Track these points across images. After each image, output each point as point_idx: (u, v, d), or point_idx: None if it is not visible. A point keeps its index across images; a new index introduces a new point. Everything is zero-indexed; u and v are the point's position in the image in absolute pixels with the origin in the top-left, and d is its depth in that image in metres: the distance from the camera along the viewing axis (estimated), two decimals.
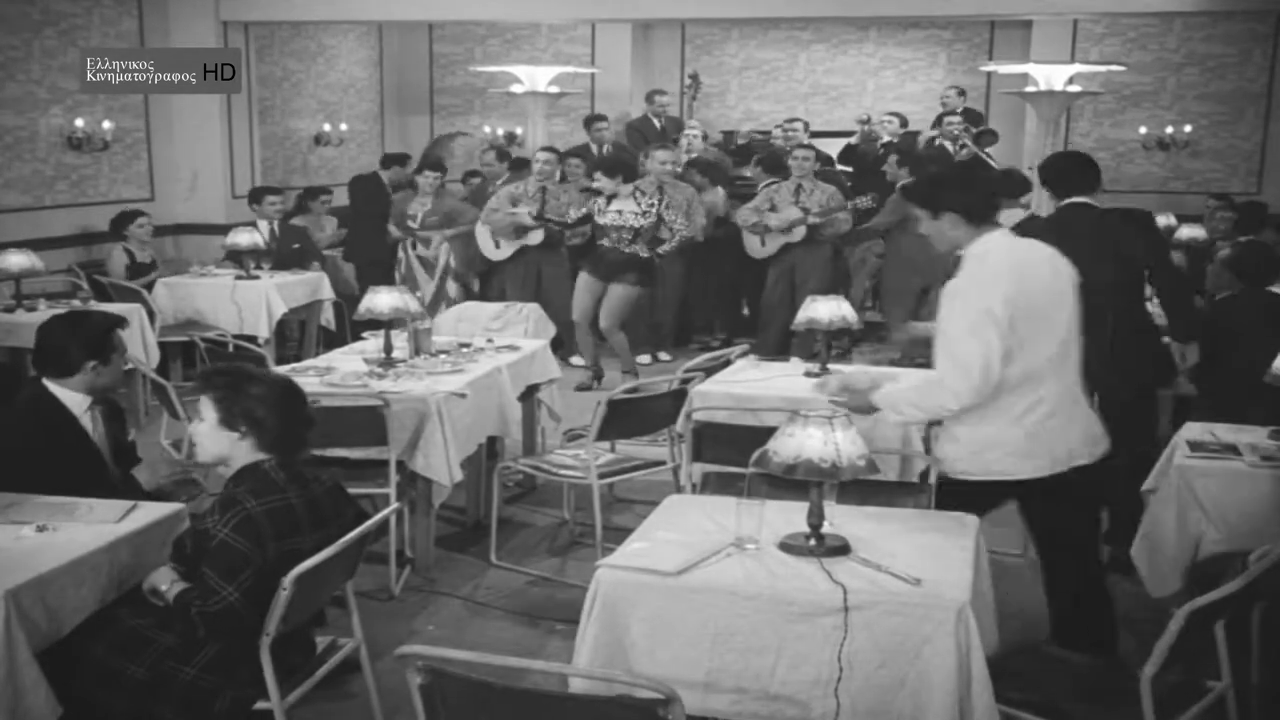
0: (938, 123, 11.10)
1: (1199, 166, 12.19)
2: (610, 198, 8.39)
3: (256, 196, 9.34)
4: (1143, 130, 12.27)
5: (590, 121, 11.18)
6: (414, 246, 9.28)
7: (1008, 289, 3.53)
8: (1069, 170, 5.44)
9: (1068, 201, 5.37)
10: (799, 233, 8.88)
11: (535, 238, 8.91)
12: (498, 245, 9.10)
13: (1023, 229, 4.67)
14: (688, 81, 12.03)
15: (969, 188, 3.77)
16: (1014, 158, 11.76)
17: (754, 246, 9.17)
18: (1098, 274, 4.37)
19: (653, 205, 8.38)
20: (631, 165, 8.98)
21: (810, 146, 9.41)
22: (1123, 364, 4.95)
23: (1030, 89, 10.07)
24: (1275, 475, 4.13)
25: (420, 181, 9.30)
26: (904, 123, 11.28)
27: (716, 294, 10.21)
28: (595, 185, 8.63)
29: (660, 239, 8.50)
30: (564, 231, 8.89)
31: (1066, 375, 3.70)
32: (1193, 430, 4.59)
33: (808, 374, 5.53)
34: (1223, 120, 12.15)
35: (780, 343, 8.98)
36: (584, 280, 8.51)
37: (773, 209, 8.96)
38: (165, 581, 3.24)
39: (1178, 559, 4.26)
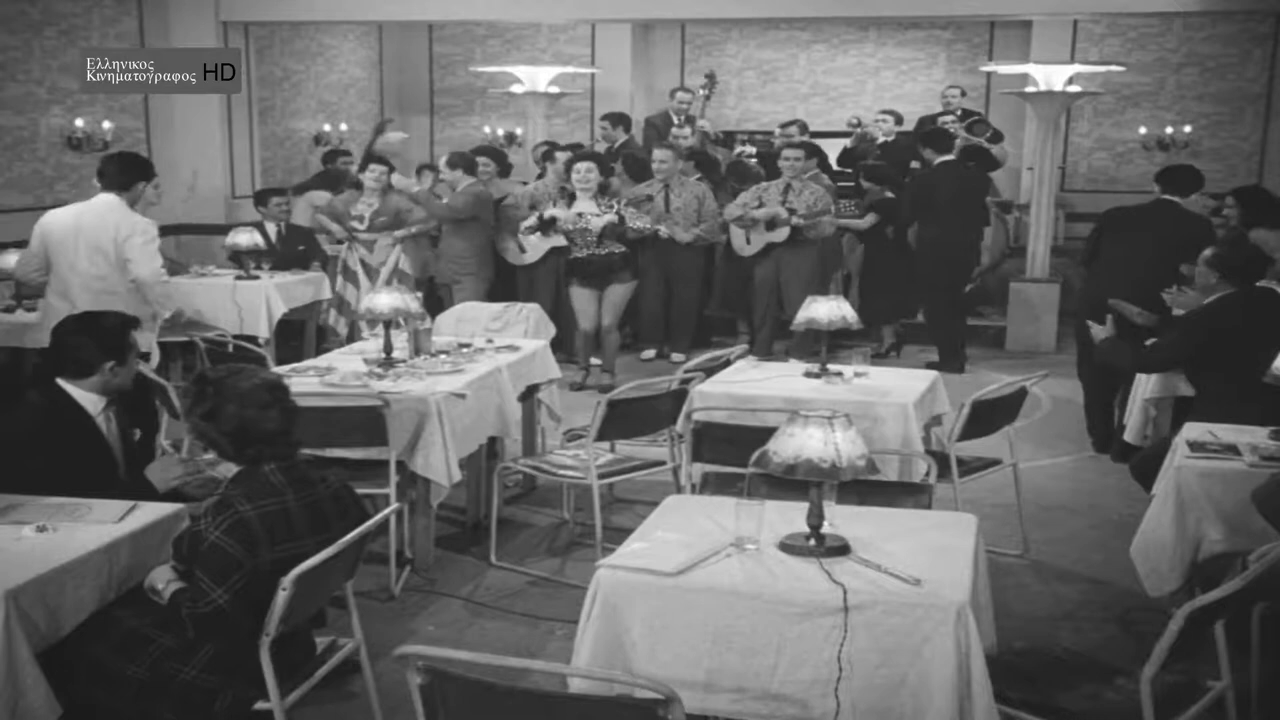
0: (932, 122, 11.11)
1: (1199, 166, 12.09)
2: (572, 199, 8.36)
3: (262, 199, 9.32)
4: (1143, 130, 12.28)
5: (616, 118, 11.16)
6: (353, 249, 8.94)
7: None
8: (936, 139, 9.47)
9: (940, 160, 9.24)
10: (783, 233, 8.91)
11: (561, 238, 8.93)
12: (523, 250, 9.10)
13: (918, 178, 9.48)
14: (703, 80, 12.02)
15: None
16: (1014, 157, 11.79)
17: (739, 244, 9.21)
18: (955, 208, 9.11)
19: (612, 206, 8.37)
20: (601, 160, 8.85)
21: (799, 146, 9.43)
22: (958, 255, 9.37)
23: (1030, 89, 10.08)
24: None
25: (365, 179, 8.93)
26: (899, 120, 11.30)
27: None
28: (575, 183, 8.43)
29: (624, 235, 8.46)
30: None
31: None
32: (1193, 430, 4.59)
33: (808, 374, 5.54)
34: (1223, 120, 12.16)
35: (772, 342, 9.02)
36: (583, 293, 8.46)
37: (760, 207, 9.01)
38: (163, 580, 3.25)
39: (1178, 559, 4.26)
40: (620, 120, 11.09)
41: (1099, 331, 5.87)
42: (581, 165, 8.35)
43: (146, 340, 5.97)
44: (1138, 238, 6.87)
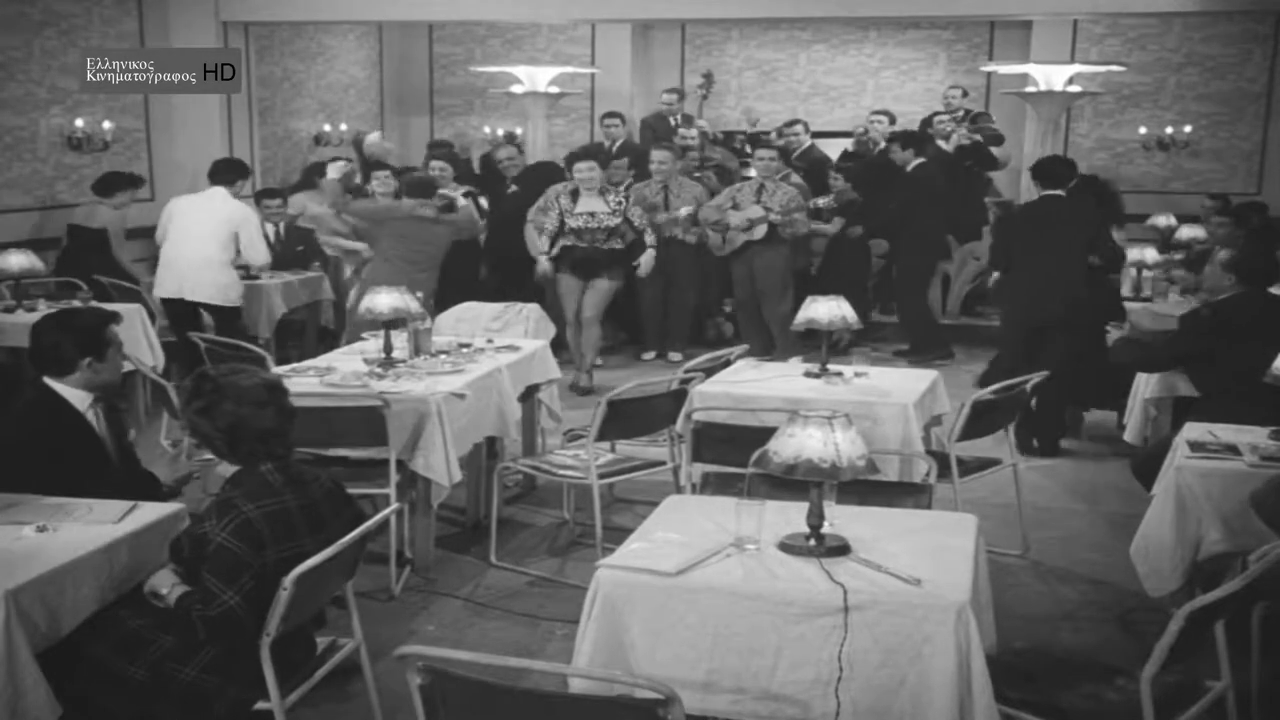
0: (928, 123, 11.11)
1: (1199, 166, 12.20)
2: (575, 197, 8.33)
3: (255, 199, 9.33)
4: (1143, 130, 12.27)
5: (605, 118, 11.17)
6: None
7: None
8: (911, 139, 9.76)
9: (916, 162, 9.51)
10: (759, 231, 8.94)
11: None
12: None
13: (915, 172, 9.51)
14: (700, 80, 12.03)
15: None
16: (1015, 157, 11.78)
17: (716, 244, 9.24)
18: (947, 204, 9.62)
19: (620, 204, 8.37)
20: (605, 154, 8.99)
21: (770, 145, 9.57)
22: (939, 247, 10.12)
23: (1030, 89, 10.09)
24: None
25: (375, 188, 8.85)
26: (893, 120, 11.33)
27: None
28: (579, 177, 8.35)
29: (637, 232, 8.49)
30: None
31: None
32: (1193, 430, 4.59)
33: (808, 374, 5.54)
34: (1223, 120, 12.15)
35: (762, 342, 9.02)
36: (569, 282, 8.44)
37: (735, 208, 9.05)
38: (166, 585, 3.24)
39: (1178, 559, 4.26)
40: (623, 118, 11.13)
41: (1115, 333, 6.02)
42: (582, 164, 8.39)
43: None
44: (1043, 236, 7.17)
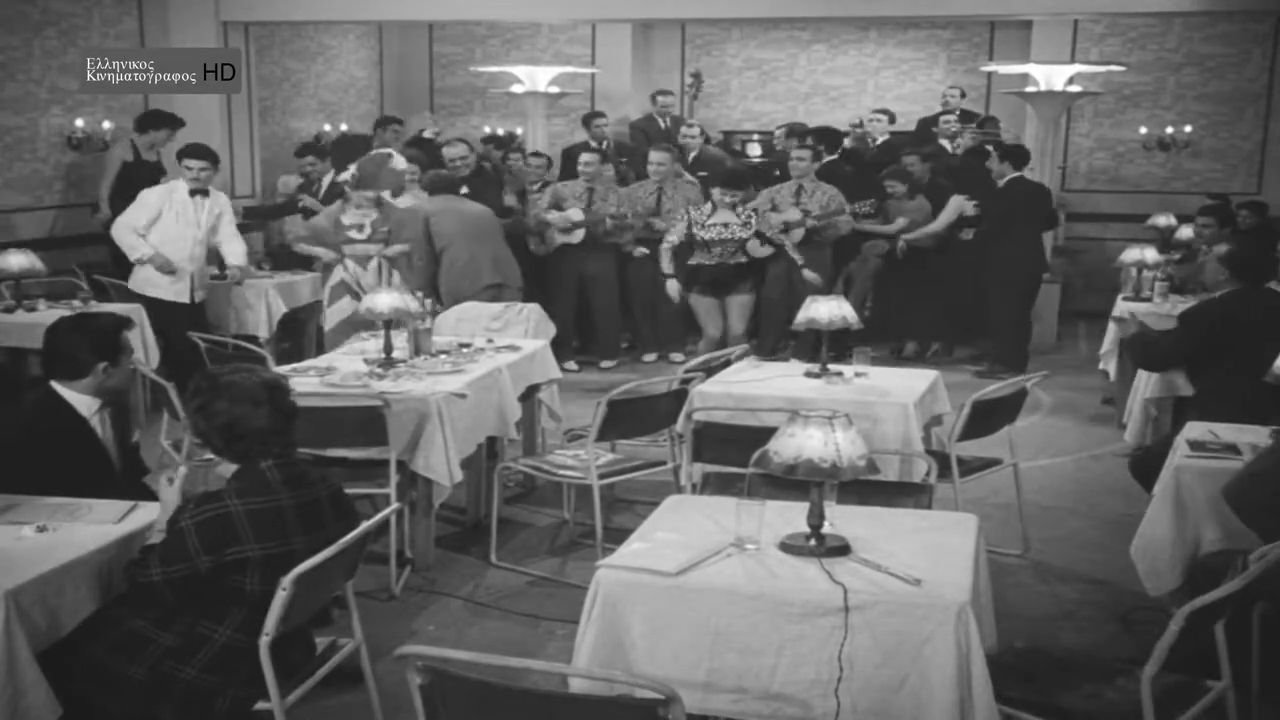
0: (934, 123, 11.10)
1: (1199, 166, 12.20)
2: (712, 210, 8.19)
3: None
4: (1143, 130, 12.28)
5: (589, 119, 11.17)
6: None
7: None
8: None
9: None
10: (797, 234, 8.87)
11: (577, 236, 8.91)
12: (543, 241, 9.10)
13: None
14: (689, 80, 12.03)
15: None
16: None
17: (754, 246, 9.16)
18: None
19: (751, 217, 8.27)
20: (746, 175, 8.78)
21: (808, 146, 9.40)
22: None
23: (1030, 89, 10.08)
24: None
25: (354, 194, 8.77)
26: (892, 119, 11.32)
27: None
28: (723, 199, 8.05)
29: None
30: (609, 230, 8.86)
31: None
32: (1193, 430, 4.59)
33: (808, 374, 5.54)
34: (1223, 120, 12.16)
35: (779, 343, 8.99)
36: (706, 303, 8.13)
37: (773, 209, 8.95)
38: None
39: (1177, 558, 4.26)
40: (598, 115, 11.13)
41: (1127, 327, 6.51)
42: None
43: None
44: (1027, 208, 9.02)
